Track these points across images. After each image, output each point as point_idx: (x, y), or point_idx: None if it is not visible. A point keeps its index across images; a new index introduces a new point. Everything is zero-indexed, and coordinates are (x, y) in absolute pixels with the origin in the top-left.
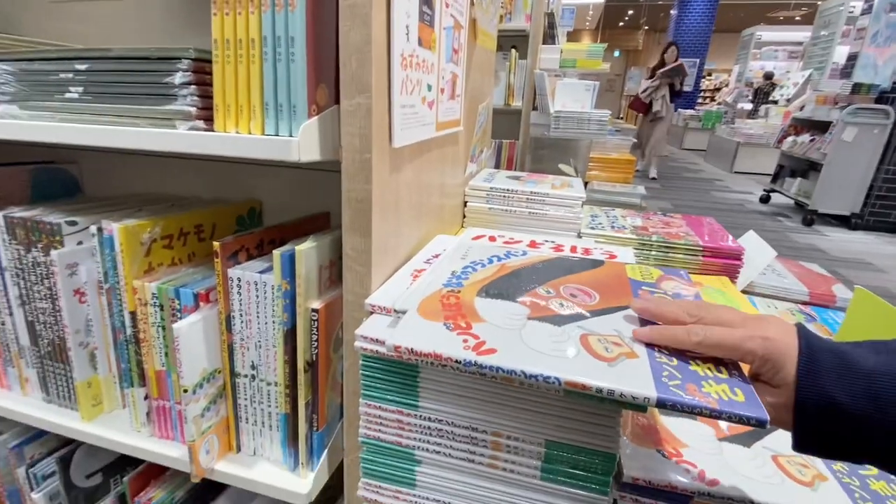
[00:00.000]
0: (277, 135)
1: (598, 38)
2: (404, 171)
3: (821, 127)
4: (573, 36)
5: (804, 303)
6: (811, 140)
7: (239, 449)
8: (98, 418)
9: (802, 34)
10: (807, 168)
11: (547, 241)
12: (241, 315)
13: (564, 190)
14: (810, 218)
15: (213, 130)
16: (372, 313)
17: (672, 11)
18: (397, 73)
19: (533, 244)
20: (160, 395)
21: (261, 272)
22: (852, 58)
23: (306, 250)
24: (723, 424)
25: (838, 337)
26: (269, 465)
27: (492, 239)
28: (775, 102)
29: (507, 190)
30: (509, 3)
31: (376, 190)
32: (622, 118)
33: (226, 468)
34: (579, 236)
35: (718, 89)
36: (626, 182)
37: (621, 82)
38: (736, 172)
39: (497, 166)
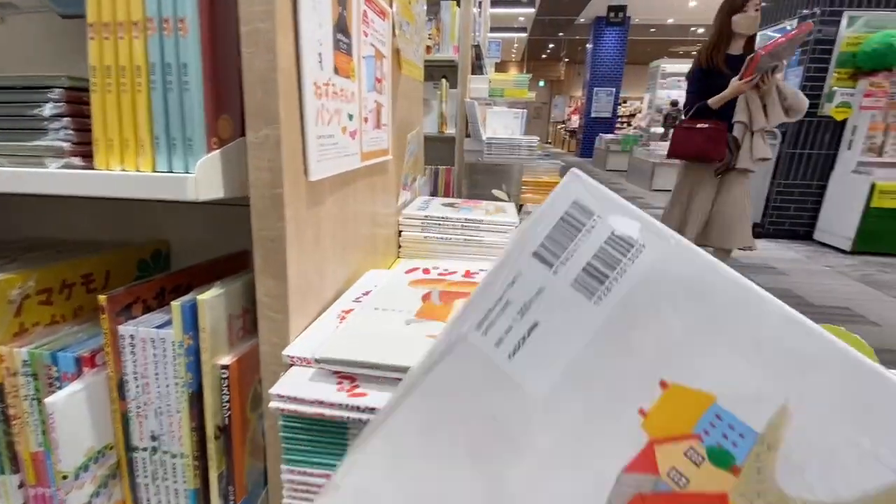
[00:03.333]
0: (171, 171)
1: (523, 68)
2: (325, 205)
3: None
4: (501, 67)
5: None
6: None
7: None
8: None
9: None
10: None
11: (482, 269)
12: (136, 378)
13: (498, 216)
14: None
15: (92, 168)
16: (292, 365)
17: (588, 45)
18: (310, 102)
19: (468, 273)
20: (38, 482)
21: (159, 327)
22: None
23: (210, 299)
24: None
25: None
26: None
27: (426, 271)
28: None
29: (442, 218)
30: (437, 35)
31: (291, 227)
32: (550, 143)
33: None
34: None
35: (633, 115)
36: None
37: (548, 110)
38: (654, 190)
39: (434, 192)
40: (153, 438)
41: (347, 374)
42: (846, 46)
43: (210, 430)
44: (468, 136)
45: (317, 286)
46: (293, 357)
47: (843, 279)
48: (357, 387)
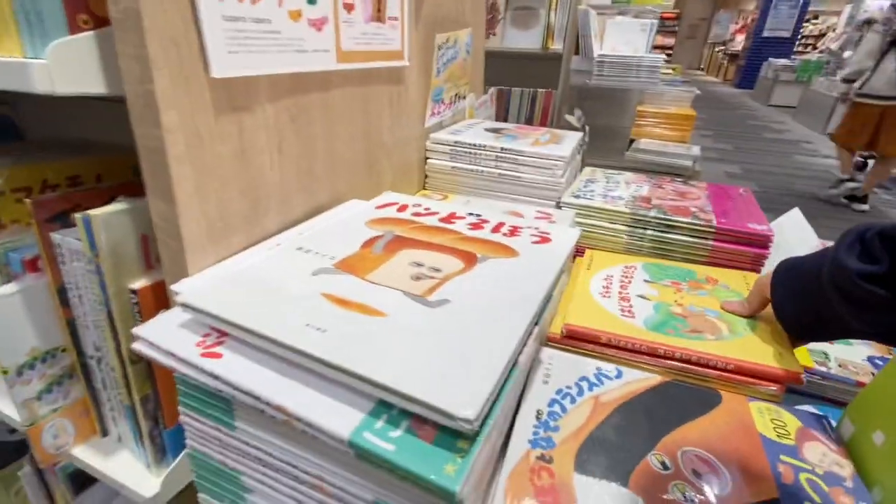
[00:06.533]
0: (36, 57)
1: None
2: (261, 114)
3: None
4: None
5: None
6: None
7: (105, 433)
8: None
9: None
10: None
11: (471, 213)
12: (72, 288)
13: (548, 147)
14: None
15: None
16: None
17: None
18: None
19: (450, 217)
20: None
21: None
22: None
23: (105, 216)
24: None
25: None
26: (131, 456)
27: (402, 208)
28: None
29: (474, 145)
30: None
31: (179, 137)
32: (702, 69)
33: (83, 454)
34: (559, 206)
35: (823, 34)
36: (681, 141)
37: (706, 28)
38: (829, 133)
39: (530, 120)
40: (96, 349)
41: (219, 327)
42: None
43: (125, 353)
44: (577, 53)
45: (244, 214)
46: (179, 294)
47: None
48: (220, 344)
